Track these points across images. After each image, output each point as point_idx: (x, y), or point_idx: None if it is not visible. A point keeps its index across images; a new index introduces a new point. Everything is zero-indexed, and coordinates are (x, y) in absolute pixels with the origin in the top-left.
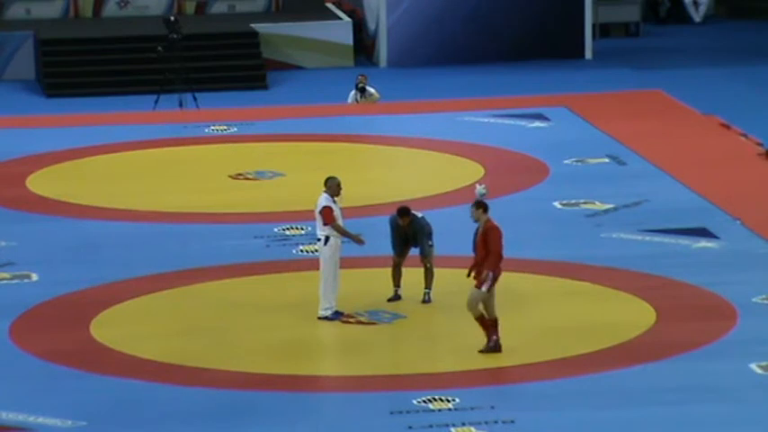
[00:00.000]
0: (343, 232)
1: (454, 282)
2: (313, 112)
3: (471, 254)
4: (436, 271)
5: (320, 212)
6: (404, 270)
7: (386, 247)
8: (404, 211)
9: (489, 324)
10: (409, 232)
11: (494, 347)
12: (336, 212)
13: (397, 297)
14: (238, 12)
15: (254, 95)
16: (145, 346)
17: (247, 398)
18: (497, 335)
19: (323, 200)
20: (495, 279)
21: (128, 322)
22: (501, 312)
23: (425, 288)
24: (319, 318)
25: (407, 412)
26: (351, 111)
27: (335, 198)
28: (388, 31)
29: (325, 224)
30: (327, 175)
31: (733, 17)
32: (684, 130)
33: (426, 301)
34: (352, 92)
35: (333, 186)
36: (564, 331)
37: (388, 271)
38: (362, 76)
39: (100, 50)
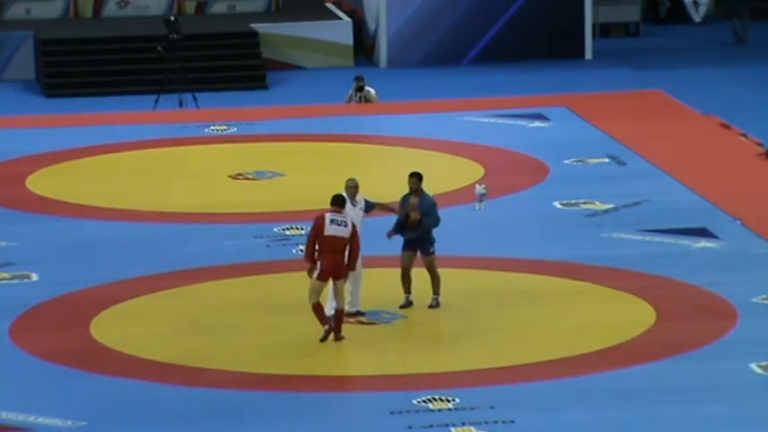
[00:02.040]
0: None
1: (454, 282)
2: (313, 112)
3: (471, 254)
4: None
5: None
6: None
7: (386, 248)
8: (416, 173)
9: (319, 311)
10: (418, 208)
11: (325, 336)
12: (351, 214)
13: (408, 303)
14: (238, 12)
15: (254, 95)
16: (145, 346)
17: (247, 398)
18: (331, 325)
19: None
20: (321, 270)
21: (128, 322)
22: (502, 312)
23: (434, 294)
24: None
25: (407, 412)
26: (351, 111)
27: (352, 200)
28: (388, 31)
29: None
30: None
31: (733, 17)
32: (684, 130)
33: (434, 305)
34: (350, 91)
35: (349, 188)
36: (564, 331)
37: (389, 271)
38: (360, 77)
39: (100, 50)
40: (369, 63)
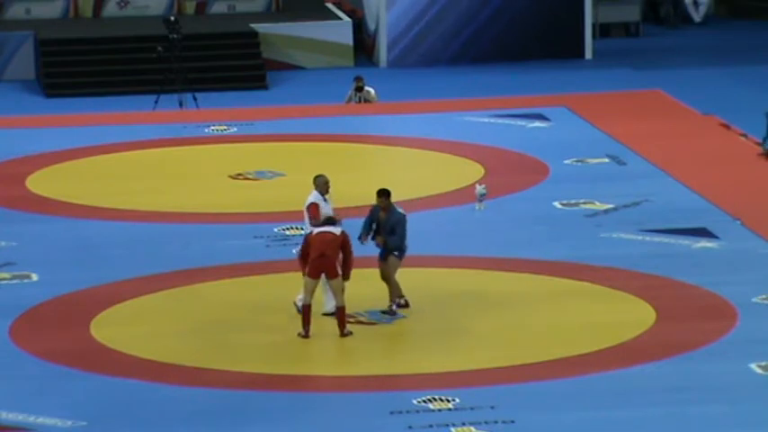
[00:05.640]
0: None
1: (454, 282)
2: (313, 112)
3: (471, 254)
4: (435, 270)
5: (306, 208)
6: (400, 270)
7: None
8: (383, 191)
9: (306, 314)
10: (385, 223)
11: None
12: (325, 210)
13: (402, 305)
14: (238, 12)
15: (254, 95)
16: (145, 346)
17: (247, 398)
18: (308, 334)
19: (311, 197)
20: (309, 264)
21: (128, 322)
22: (502, 312)
23: (390, 300)
24: (323, 314)
25: (407, 412)
26: (351, 111)
27: (325, 196)
28: (388, 31)
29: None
30: (316, 174)
31: (733, 17)
32: (684, 130)
33: (390, 312)
34: (350, 91)
35: (321, 184)
36: (564, 331)
37: None
38: (360, 77)
39: (100, 50)
40: (369, 63)
